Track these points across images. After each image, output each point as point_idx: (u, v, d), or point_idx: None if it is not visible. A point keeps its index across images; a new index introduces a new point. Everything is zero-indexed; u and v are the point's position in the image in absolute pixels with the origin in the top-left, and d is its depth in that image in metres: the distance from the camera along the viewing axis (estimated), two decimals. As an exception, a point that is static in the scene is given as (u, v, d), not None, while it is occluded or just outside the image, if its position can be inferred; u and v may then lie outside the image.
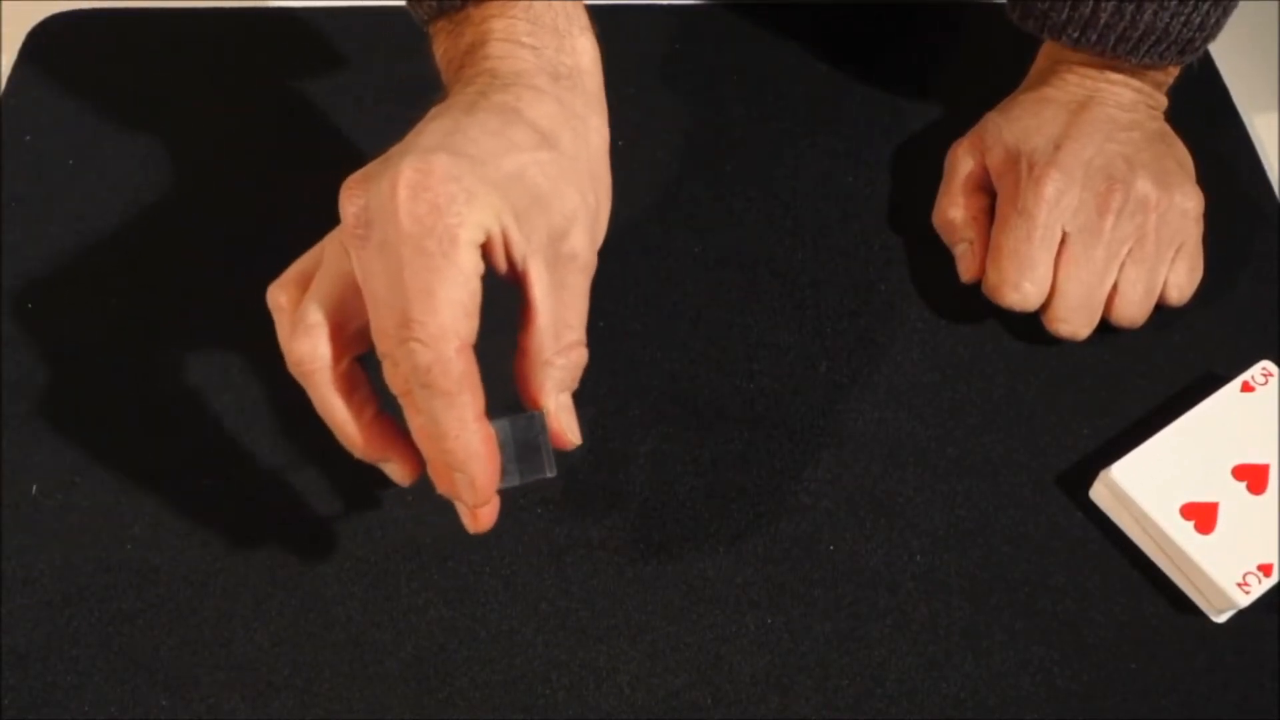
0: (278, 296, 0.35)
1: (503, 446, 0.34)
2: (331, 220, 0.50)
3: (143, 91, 0.55)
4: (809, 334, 0.48)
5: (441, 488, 0.34)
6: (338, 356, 0.34)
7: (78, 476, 0.43)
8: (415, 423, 0.32)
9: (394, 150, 0.34)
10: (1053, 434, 0.46)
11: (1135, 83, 0.48)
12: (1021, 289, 0.45)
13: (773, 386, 0.46)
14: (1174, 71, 0.49)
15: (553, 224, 0.34)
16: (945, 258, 0.50)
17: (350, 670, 0.39)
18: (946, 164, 0.51)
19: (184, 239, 0.50)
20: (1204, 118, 0.55)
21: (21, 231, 0.50)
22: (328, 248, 0.35)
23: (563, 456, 0.44)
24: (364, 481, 0.43)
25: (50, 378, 0.46)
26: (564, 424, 0.35)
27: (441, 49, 0.39)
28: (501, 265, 0.33)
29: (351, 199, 0.32)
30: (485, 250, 0.32)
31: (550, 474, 0.35)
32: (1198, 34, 0.45)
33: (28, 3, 0.58)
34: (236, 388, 0.46)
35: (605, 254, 0.50)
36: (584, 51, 0.37)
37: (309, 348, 0.34)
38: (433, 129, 0.34)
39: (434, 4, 0.38)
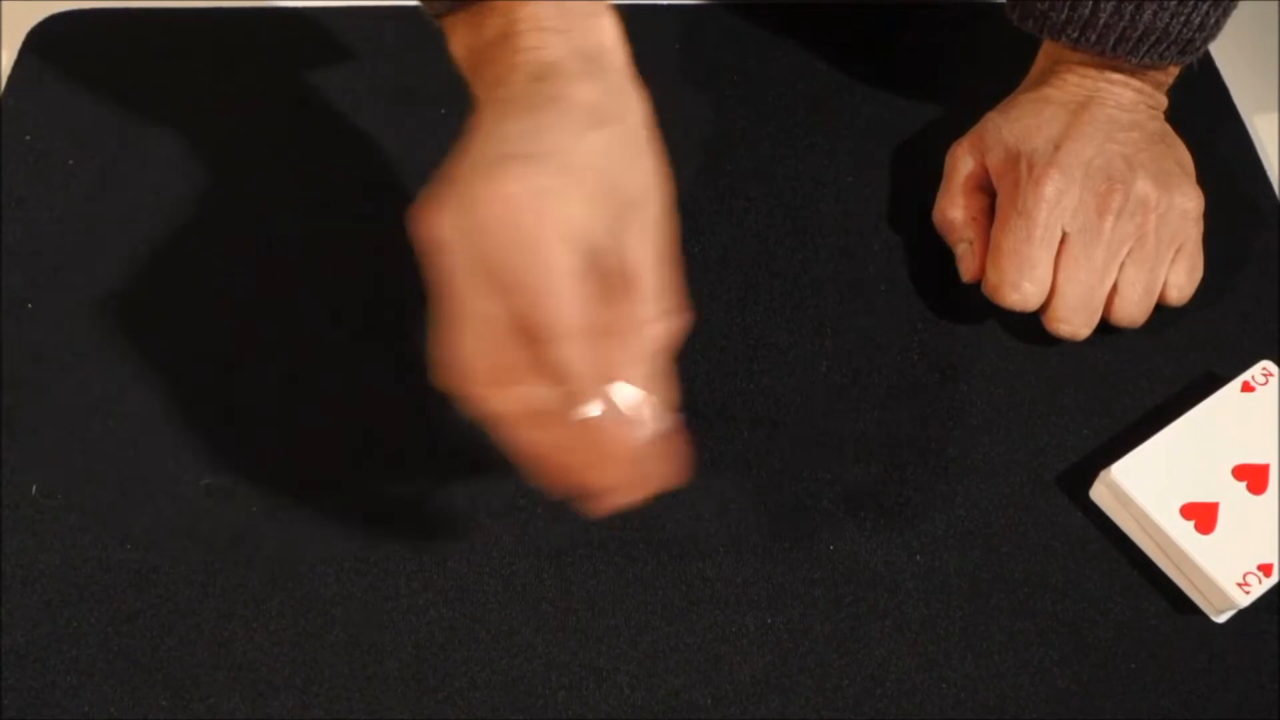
0: None
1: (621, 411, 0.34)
2: (331, 219, 0.51)
3: (143, 91, 0.55)
4: (809, 334, 0.48)
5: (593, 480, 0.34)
6: None
7: (78, 476, 0.43)
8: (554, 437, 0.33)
9: (462, 167, 0.33)
10: (1053, 434, 0.46)
11: (1135, 83, 0.48)
12: (1021, 289, 0.45)
13: (773, 386, 0.46)
14: (1174, 71, 0.49)
15: (630, 195, 0.34)
16: (945, 258, 0.50)
17: (350, 670, 0.39)
18: (946, 164, 0.51)
19: (184, 239, 0.50)
20: (1204, 118, 0.54)
21: (21, 231, 0.50)
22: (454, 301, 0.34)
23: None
24: (364, 482, 0.43)
25: (50, 378, 0.46)
26: (666, 385, 0.36)
27: (463, 43, 0.38)
28: (590, 250, 0.33)
29: (436, 226, 0.32)
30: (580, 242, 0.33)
31: (658, 428, 0.35)
32: (1197, 34, 0.45)
33: (28, 2, 0.58)
34: (237, 387, 0.45)
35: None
36: (607, 29, 0.37)
37: None
38: (498, 134, 0.34)
39: None
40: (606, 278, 0.34)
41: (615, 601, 0.41)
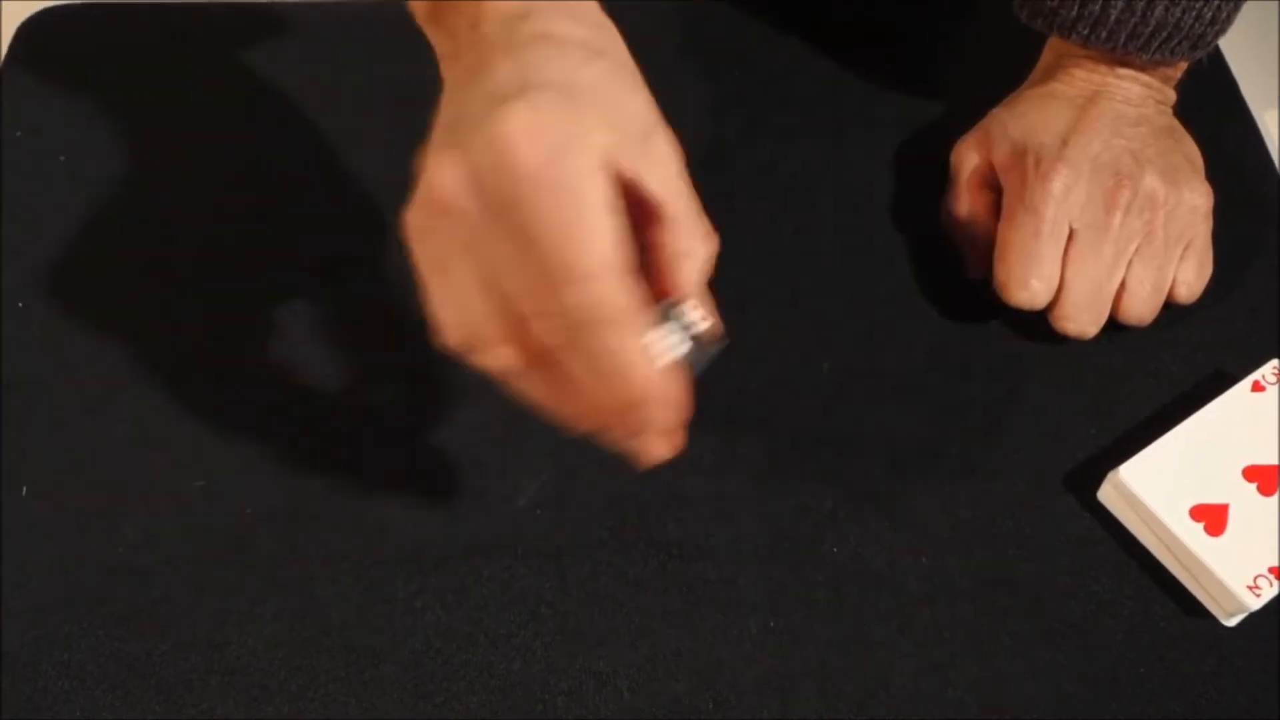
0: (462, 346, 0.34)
1: (669, 339, 0.34)
2: (326, 217, 0.50)
3: (136, 86, 0.54)
4: (811, 333, 0.48)
5: (627, 424, 0.33)
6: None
7: (70, 478, 0.43)
8: (583, 371, 0.32)
9: (464, 110, 0.32)
10: (1059, 434, 0.45)
11: (1144, 77, 0.48)
12: (1029, 286, 0.45)
13: (774, 386, 0.46)
14: (1183, 66, 0.49)
15: (637, 127, 0.33)
16: (950, 256, 0.50)
17: (346, 675, 0.39)
18: (952, 160, 0.50)
19: (178, 236, 0.49)
20: (1213, 113, 0.54)
21: (15, 229, 0.49)
22: (447, 263, 0.33)
23: (563, 462, 0.44)
24: (360, 483, 0.43)
25: (42, 378, 0.45)
26: (710, 309, 0.35)
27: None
28: (615, 181, 0.32)
29: (451, 173, 0.31)
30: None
31: (723, 345, 0.35)
32: (1209, 29, 0.45)
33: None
34: (230, 387, 0.45)
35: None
36: None
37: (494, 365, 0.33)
38: (498, 74, 0.32)
39: None
40: (634, 209, 0.32)
41: (615, 604, 0.41)
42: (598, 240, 0.30)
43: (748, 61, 0.57)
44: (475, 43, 0.34)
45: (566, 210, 0.30)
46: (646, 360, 0.32)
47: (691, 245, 0.34)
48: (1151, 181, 0.45)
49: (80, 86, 0.54)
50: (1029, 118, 0.48)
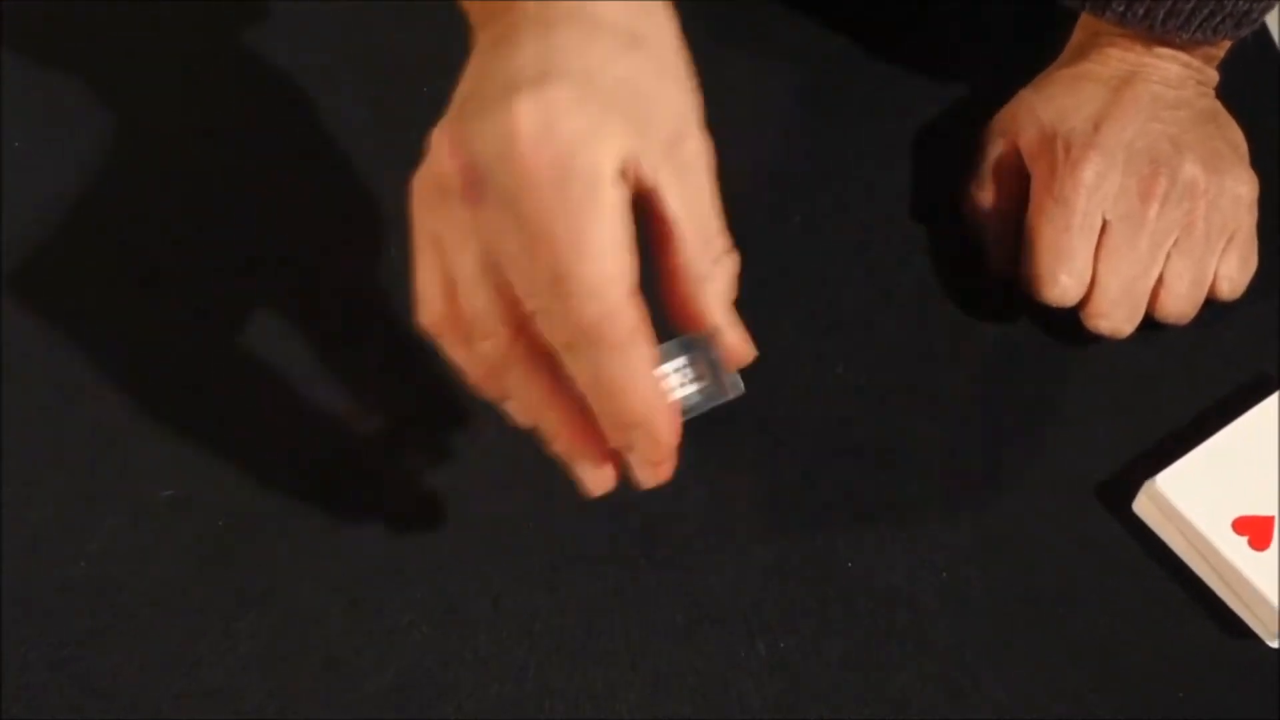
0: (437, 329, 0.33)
1: (677, 375, 0.34)
2: (307, 215, 0.48)
3: (109, 78, 0.53)
4: (823, 334, 0.47)
5: (615, 442, 0.33)
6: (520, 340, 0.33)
7: (29, 486, 0.42)
8: (581, 378, 0.31)
9: (482, 87, 0.31)
10: (1091, 441, 0.45)
11: (1184, 57, 0.46)
12: (1059, 282, 0.44)
13: (785, 390, 0.45)
14: (1225, 44, 0.47)
15: (667, 129, 0.32)
16: (973, 249, 0.49)
17: (327, 697, 0.38)
18: (975, 147, 0.49)
19: (146, 230, 0.48)
20: (1259, 95, 0.53)
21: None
22: (445, 241, 0.32)
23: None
24: (342, 492, 0.42)
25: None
26: (738, 337, 0.34)
27: None
28: (631, 187, 0.31)
29: (453, 154, 0.30)
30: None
31: (736, 393, 0.35)
32: (1255, 5, 0.44)
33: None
34: (199, 390, 0.44)
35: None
36: None
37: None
38: (522, 53, 0.31)
39: None
40: (652, 222, 0.31)
41: (614, 622, 0.40)
42: (602, 256, 0.29)
43: (753, 44, 0.55)
44: (507, 10, 0.33)
45: (571, 220, 0.29)
46: (653, 386, 0.31)
47: (706, 270, 0.33)
48: (1191, 169, 0.44)
49: (51, 71, 0.52)
50: (1059, 100, 0.47)
